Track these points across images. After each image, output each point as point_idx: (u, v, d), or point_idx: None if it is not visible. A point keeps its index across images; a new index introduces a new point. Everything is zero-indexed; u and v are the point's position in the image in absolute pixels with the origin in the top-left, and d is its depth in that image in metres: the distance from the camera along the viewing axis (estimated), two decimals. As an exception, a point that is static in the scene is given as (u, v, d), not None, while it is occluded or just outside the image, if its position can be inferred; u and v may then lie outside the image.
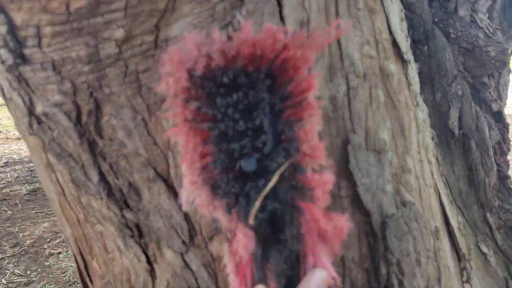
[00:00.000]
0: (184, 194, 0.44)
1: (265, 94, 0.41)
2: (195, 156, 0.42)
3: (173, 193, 0.55)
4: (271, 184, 0.42)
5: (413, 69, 0.68)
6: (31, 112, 0.54)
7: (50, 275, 3.42)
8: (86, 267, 0.67)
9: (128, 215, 0.57)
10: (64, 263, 3.56)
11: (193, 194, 0.44)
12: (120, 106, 0.51)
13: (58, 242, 3.92)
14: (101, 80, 0.50)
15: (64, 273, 3.43)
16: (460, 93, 0.82)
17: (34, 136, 0.58)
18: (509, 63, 0.91)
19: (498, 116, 0.90)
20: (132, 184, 0.55)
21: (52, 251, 3.79)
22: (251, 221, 0.42)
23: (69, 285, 3.25)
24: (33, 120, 0.55)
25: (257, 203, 0.41)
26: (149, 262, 0.59)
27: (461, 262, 0.73)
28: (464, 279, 0.73)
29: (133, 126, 0.52)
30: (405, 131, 0.64)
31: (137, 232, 0.58)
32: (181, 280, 0.58)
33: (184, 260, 0.58)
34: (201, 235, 0.56)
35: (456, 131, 0.82)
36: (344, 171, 0.57)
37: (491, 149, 0.84)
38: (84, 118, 0.52)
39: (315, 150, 0.43)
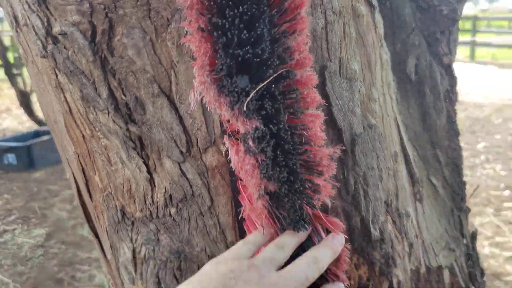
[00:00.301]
0: (193, 94, 0.53)
1: (266, 8, 0.50)
2: (205, 60, 0.51)
3: (174, 108, 0.63)
4: (266, 82, 0.51)
5: (379, 15, 0.78)
6: (48, 32, 0.61)
7: (6, 251, 3.41)
8: (86, 184, 0.74)
9: (132, 128, 0.64)
10: (20, 239, 3.54)
11: (202, 93, 0.52)
12: (131, 27, 0.59)
13: (13, 219, 3.89)
14: (116, 2, 0.58)
15: (20, 248, 3.43)
16: (416, 43, 0.94)
17: (45, 59, 0.64)
18: (458, 21, 1.03)
19: (448, 69, 1.02)
20: (138, 98, 0.63)
21: (6, 227, 3.77)
22: (244, 107, 0.51)
23: (26, 260, 3.26)
24: (49, 41, 0.62)
25: (251, 95, 0.50)
26: (149, 172, 0.67)
27: (415, 186, 0.85)
28: (417, 198, 0.84)
29: (142, 45, 0.60)
30: (372, 67, 0.74)
31: (139, 144, 0.66)
32: (178, 187, 0.67)
33: (181, 169, 0.66)
34: (197, 146, 0.65)
35: (413, 77, 0.94)
36: (321, 93, 0.67)
37: (442, 94, 0.96)
38: (98, 37, 0.60)
39: (306, 58, 0.53)
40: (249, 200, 0.58)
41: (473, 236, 1.07)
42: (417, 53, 0.93)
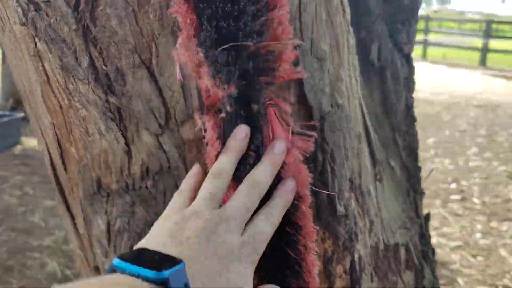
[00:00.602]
0: (178, 64, 0.55)
1: (249, -18, 0.53)
2: (191, 30, 0.53)
3: (154, 80, 0.65)
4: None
5: (346, 1, 0.83)
6: (30, -1, 0.61)
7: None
8: (61, 155, 0.75)
9: (112, 99, 0.66)
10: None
11: (186, 62, 0.54)
12: (115, -3, 0.60)
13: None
14: (101, -28, 0.59)
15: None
16: (379, 31, 0.99)
17: (24, 27, 0.65)
18: (417, 13, 1.08)
19: (408, 57, 1.08)
20: (119, 69, 0.64)
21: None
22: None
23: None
24: (30, 8, 0.62)
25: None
26: (126, 143, 0.69)
27: (376, 166, 0.90)
28: (378, 178, 0.90)
29: (125, 15, 0.61)
30: (340, 49, 0.78)
31: (118, 116, 0.67)
32: (155, 159, 0.69)
33: (158, 141, 0.68)
34: (175, 119, 0.67)
35: (376, 63, 0.99)
36: (295, 71, 0.70)
37: (402, 80, 1.02)
38: (81, 6, 0.61)
39: (285, 30, 0.56)
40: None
41: (427, 218, 1.13)
42: (380, 40, 0.98)
